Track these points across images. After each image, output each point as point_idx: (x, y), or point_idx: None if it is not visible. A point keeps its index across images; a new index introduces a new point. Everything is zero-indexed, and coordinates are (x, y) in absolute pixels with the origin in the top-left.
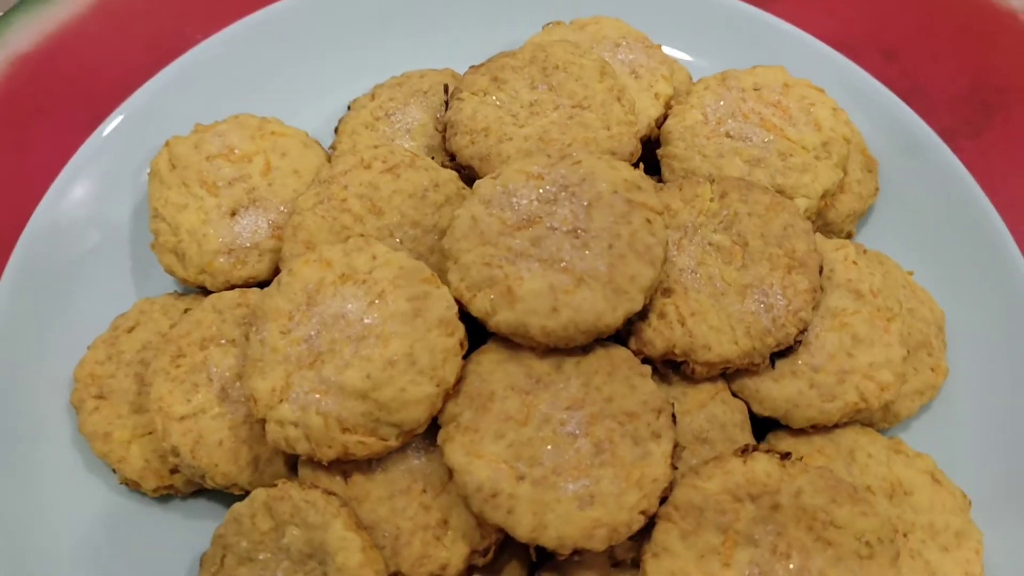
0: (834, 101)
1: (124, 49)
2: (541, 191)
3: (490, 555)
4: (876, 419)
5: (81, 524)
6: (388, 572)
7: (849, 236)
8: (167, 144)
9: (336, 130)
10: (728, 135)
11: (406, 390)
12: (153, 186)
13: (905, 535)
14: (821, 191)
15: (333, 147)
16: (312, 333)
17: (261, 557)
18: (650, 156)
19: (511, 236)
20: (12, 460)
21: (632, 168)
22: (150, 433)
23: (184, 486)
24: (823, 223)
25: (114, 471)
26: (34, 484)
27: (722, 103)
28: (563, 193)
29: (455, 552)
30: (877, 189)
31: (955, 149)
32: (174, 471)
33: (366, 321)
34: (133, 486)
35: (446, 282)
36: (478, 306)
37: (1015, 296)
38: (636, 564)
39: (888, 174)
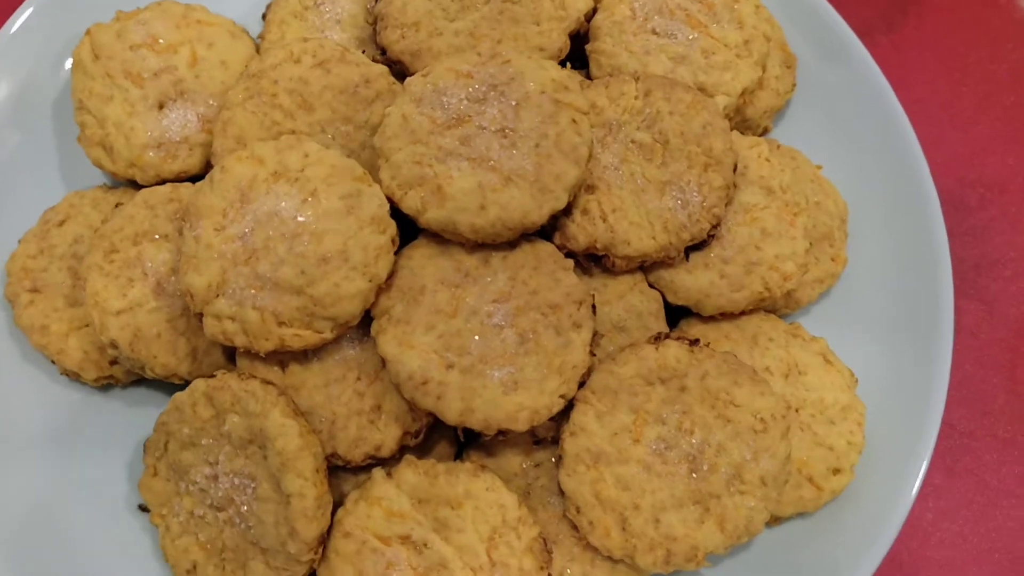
0: None
1: None
2: (471, 90)
3: (421, 436)
4: (779, 306)
5: (23, 415)
6: (325, 454)
7: (766, 131)
8: (88, 33)
9: (264, 17)
10: (654, 32)
11: (340, 286)
12: (76, 77)
13: (797, 410)
14: (740, 89)
15: (261, 36)
16: (246, 231)
17: (203, 442)
18: (579, 50)
19: (441, 135)
20: None
21: (560, 68)
22: (87, 325)
23: (124, 376)
24: (741, 119)
25: (53, 362)
26: None
27: None
28: (492, 92)
29: (388, 434)
30: (794, 85)
31: (871, 44)
32: (114, 362)
33: (299, 219)
34: (73, 376)
35: (377, 180)
36: (409, 204)
37: (912, 194)
38: (556, 442)
39: (806, 70)
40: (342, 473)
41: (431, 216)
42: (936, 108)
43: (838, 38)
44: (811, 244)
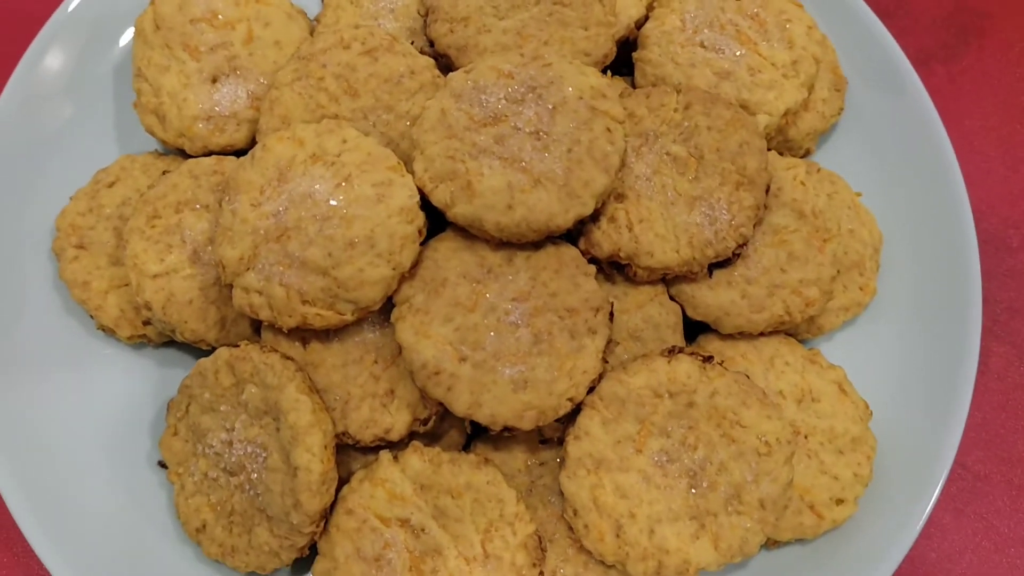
0: (811, 19)
1: None
2: (510, 90)
3: (431, 424)
4: (800, 330)
5: (58, 363)
6: (337, 432)
7: (808, 153)
8: (152, 3)
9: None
10: (702, 45)
11: (364, 271)
12: (137, 45)
13: (806, 436)
14: (783, 109)
15: (318, 19)
16: (280, 209)
17: (222, 408)
18: (627, 56)
19: (477, 132)
20: None
21: (600, 75)
22: (126, 285)
23: (156, 336)
24: (783, 139)
25: (91, 317)
26: (15, 323)
27: (702, 10)
28: (530, 94)
29: (399, 419)
30: (842, 109)
31: (928, 73)
32: (147, 323)
33: (331, 203)
34: (109, 332)
35: (411, 170)
36: (439, 197)
37: (950, 231)
38: (562, 442)
39: (856, 94)
40: (352, 452)
41: (459, 211)
42: (988, 144)
43: (892, 65)
44: (839, 272)
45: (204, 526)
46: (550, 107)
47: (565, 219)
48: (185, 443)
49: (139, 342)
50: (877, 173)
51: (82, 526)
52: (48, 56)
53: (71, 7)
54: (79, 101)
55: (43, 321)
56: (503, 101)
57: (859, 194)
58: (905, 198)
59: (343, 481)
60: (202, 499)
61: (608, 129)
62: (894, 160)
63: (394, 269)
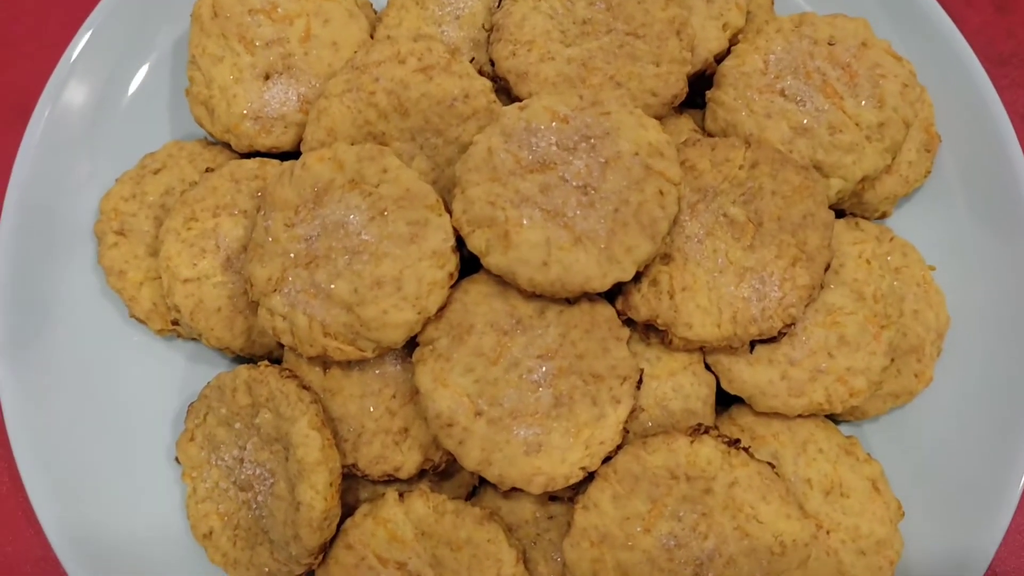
0: (909, 74)
1: None
2: (563, 136)
3: (441, 467)
4: (843, 412)
5: (91, 348)
6: (346, 463)
7: (884, 216)
8: None
9: None
10: (783, 93)
11: (388, 312)
12: (194, 31)
13: (828, 532)
14: (860, 176)
15: (380, 18)
16: (313, 234)
17: (236, 426)
18: (702, 88)
19: (522, 178)
20: (37, 277)
21: (660, 130)
22: (160, 278)
23: (187, 332)
24: (857, 201)
25: (125, 305)
26: (54, 302)
27: (788, 53)
28: (583, 144)
29: (410, 458)
30: (928, 172)
31: None
32: (175, 323)
33: (364, 236)
34: (140, 322)
35: (450, 208)
36: (474, 243)
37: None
38: (572, 500)
39: (948, 154)
40: (361, 479)
41: (492, 261)
42: None
43: (995, 130)
44: (893, 360)
45: (211, 532)
46: (602, 160)
47: (602, 283)
48: (200, 450)
49: (169, 335)
50: (956, 248)
51: (95, 510)
52: (109, 26)
53: None
54: (138, 77)
55: (79, 302)
56: (554, 147)
57: (932, 268)
58: (981, 280)
59: (350, 507)
60: (211, 506)
61: (661, 192)
62: (977, 237)
63: (419, 313)
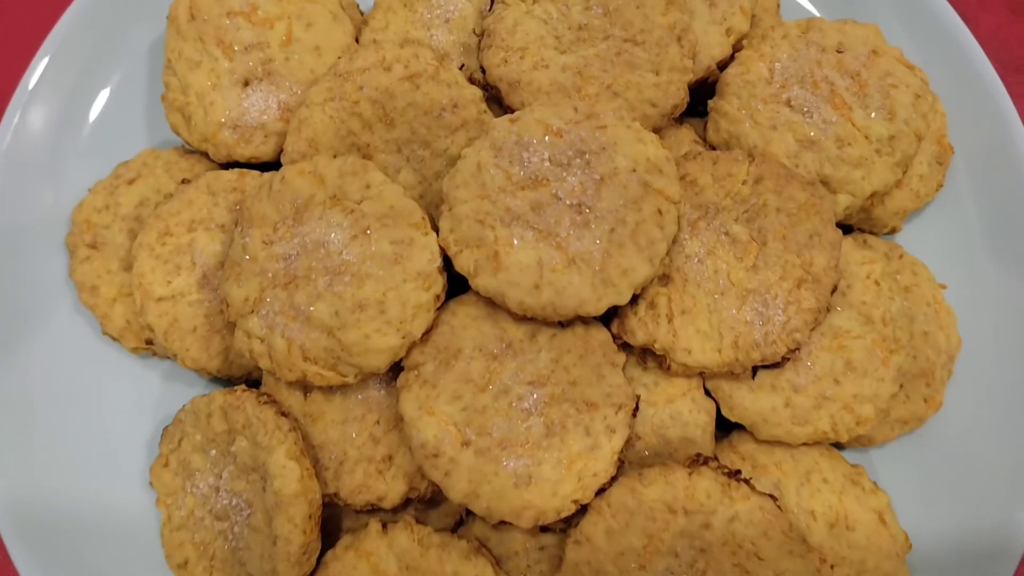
0: (921, 83)
1: None
2: (556, 151)
3: (427, 497)
4: (848, 439)
5: (64, 364)
6: (327, 492)
7: (893, 231)
8: None
9: None
10: (788, 104)
11: (370, 337)
12: (170, 33)
13: (832, 566)
14: (870, 192)
15: (366, 20)
16: (292, 253)
17: (212, 453)
18: (704, 97)
19: (512, 195)
20: (7, 291)
21: (659, 145)
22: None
23: (162, 352)
24: (866, 216)
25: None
26: (27, 317)
27: (795, 61)
28: (578, 159)
29: (393, 488)
30: (940, 185)
31: None
32: (149, 342)
33: (345, 256)
34: (115, 339)
35: (436, 226)
36: (461, 263)
37: None
38: (564, 531)
39: (960, 166)
40: (343, 508)
41: (480, 283)
42: None
43: (1010, 140)
44: (902, 385)
45: (186, 563)
46: (597, 177)
47: (596, 307)
48: (175, 476)
49: (144, 353)
50: (968, 266)
51: (65, 536)
52: (83, 28)
53: None
54: (114, 81)
55: (51, 318)
56: (547, 163)
57: (943, 287)
58: (995, 300)
59: (331, 537)
60: (186, 535)
61: (659, 211)
62: (991, 254)
63: (403, 338)
